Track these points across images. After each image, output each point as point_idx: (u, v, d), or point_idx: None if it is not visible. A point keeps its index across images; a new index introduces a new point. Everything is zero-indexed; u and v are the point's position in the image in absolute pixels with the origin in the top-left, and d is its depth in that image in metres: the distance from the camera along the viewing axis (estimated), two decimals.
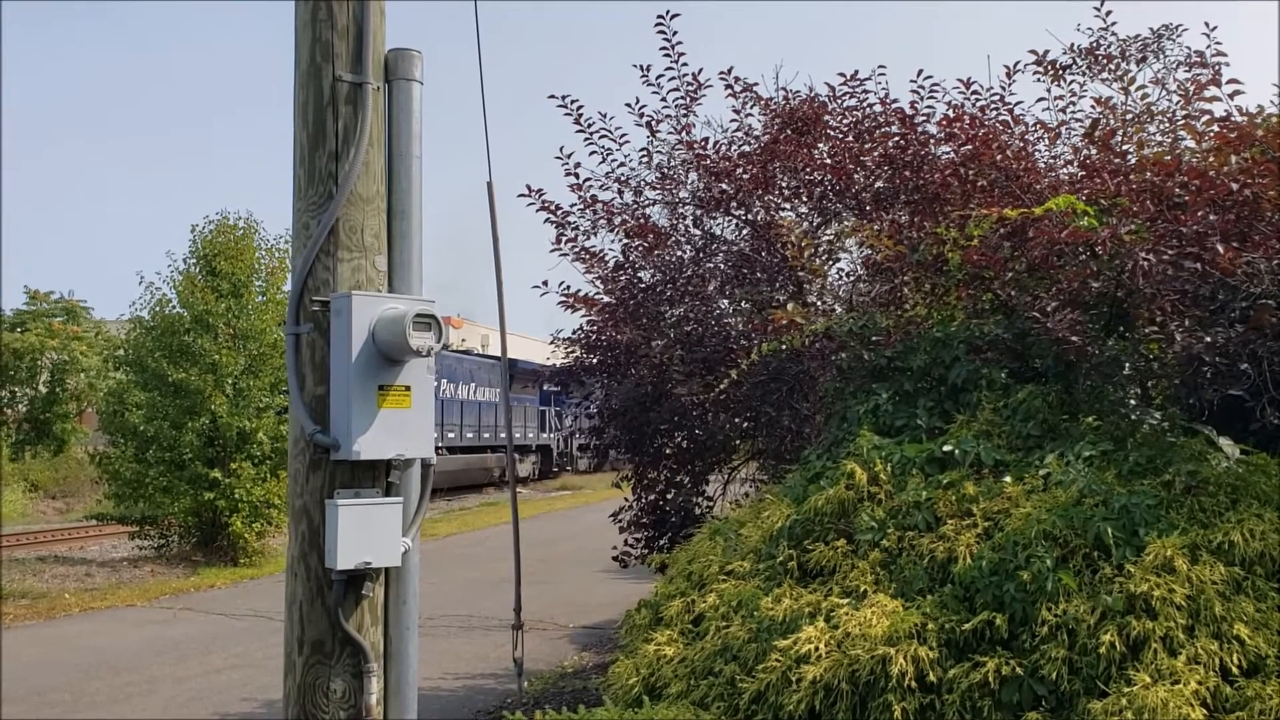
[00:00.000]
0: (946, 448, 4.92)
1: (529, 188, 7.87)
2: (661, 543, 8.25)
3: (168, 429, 16.92)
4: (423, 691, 3.56)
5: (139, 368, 17.34)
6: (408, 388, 3.34)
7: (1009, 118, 7.21)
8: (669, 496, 8.31)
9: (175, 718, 8.24)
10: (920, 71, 7.49)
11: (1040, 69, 7.05)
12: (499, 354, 31.80)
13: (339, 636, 3.26)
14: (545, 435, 37.35)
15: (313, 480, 3.29)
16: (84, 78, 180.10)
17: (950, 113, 6.89)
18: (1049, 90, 7.14)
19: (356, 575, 3.25)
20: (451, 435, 29.55)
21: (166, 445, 16.80)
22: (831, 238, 7.76)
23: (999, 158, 6.44)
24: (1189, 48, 6.81)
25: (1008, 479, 4.69)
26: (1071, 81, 7.13)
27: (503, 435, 33.22)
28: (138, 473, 16.73)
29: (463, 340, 40.98)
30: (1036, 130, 7.18)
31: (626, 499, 8.64)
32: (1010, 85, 7.42)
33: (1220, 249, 4.79)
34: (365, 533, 3.22)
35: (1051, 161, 7.13)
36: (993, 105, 7.29)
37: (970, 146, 6.56)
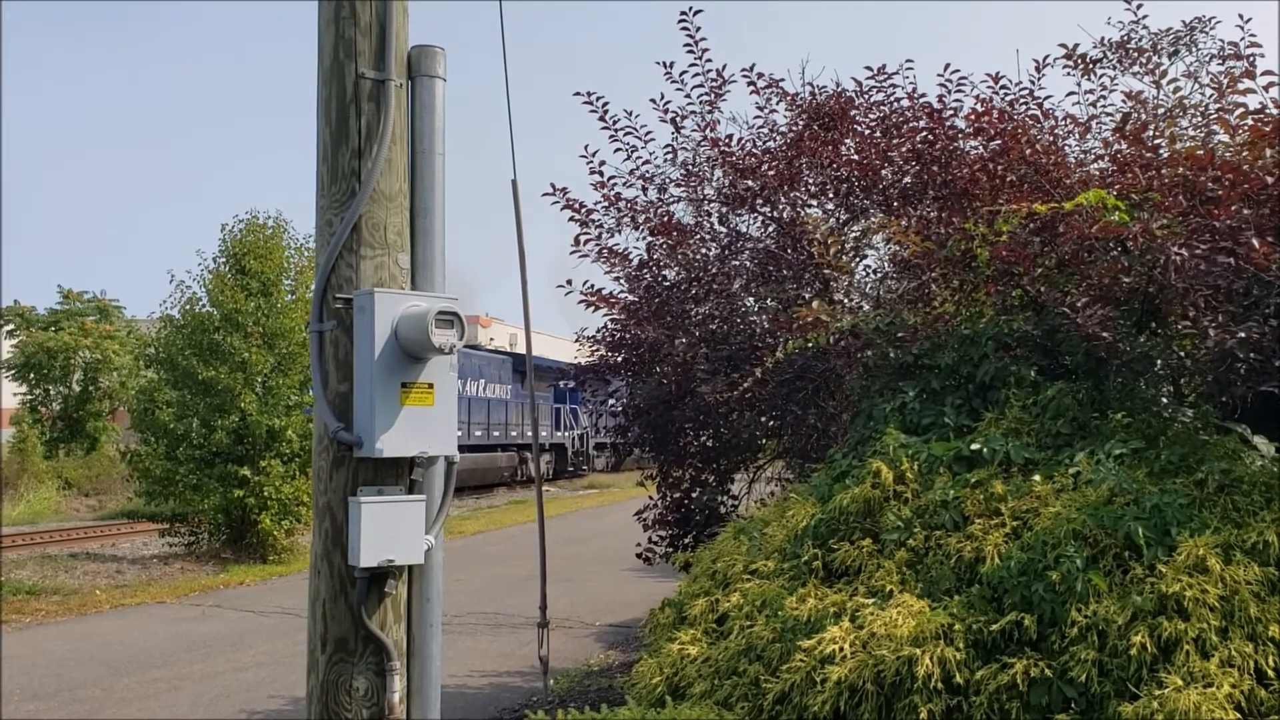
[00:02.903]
0: (974, 446, 4.86)
1: (553, 186, 7.87)
2: (686, 541, 8.22)
3: (198, 427, 17.08)
4: (448, 689, 3.56)
5: (170, 366, 17.49)
6: (430, 385, 3.32)
7: (1038, 112, 7.13)
8: (694, 495, 8.28)
9: (204, 716, 8.29)
10: (948, 66, 7.43)
11: (1070, 63, 6.96)
12: (507, 348, 31.78)
13: (362, 634, 3.25)
14: (560, 433, 36.14)
15: (336, 478, 3.29)
16: (116, 82, 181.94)
17: (979, 107, 6.82)
18: (1079, 84, 7.06)
19: (380, 573, 3.24)
20: (459, 434, 28.95)
21: (197, 443, 16.95)
22: (858, 234, 7.71)
23: (1028, 152, 6.37)
24: (1222, 40, 6.72)
25: (1037, 478, 4.63)
26: (1102, 75, 7.04)
27: (514, 434, 32.39)
28: (168, 470, 16.88)
29: (491, 339, 41.04)
30: (1066, 124, 7.10)
31: (651, 498, 8.62)
32: (1039, 79, 7.34)
33: (1255, 243, 4.71)
34: (388, 530, 3.21)
35: (1082, 156, 7.04)
36: (1022, 100, 7.21)
37: (999, 141, 6.49)
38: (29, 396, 35.05)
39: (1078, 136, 7.12)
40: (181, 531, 17.60)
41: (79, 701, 8.69)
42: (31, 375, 34.77)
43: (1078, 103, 7.13)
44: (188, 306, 17.57)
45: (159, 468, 17.03)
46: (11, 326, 36.39)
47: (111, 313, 37.46)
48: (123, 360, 34.41)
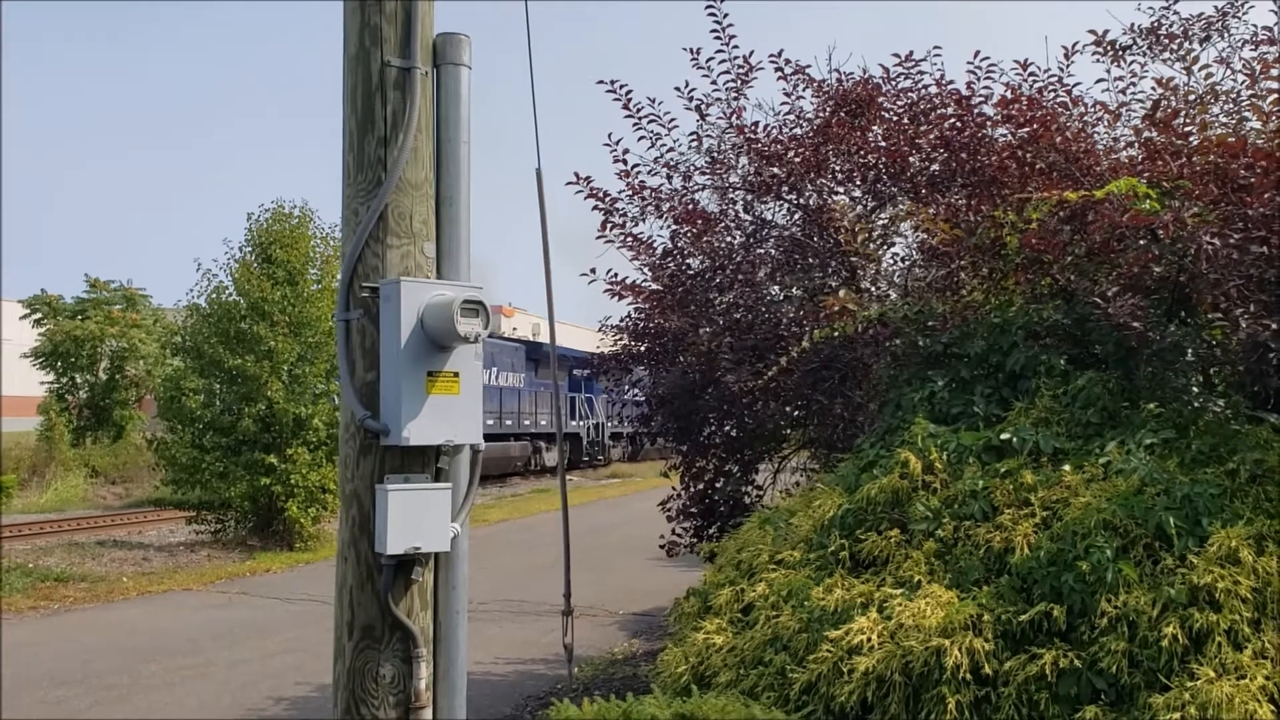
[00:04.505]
0: (1004, 436, 4.83)
1: (577, 175, 7.84)
2: (710, 531, 8.20)
3: (225, 415, 17.18)
4: (472, 676, 3.56)
5: (196, 354, 17.58)
6: (456, 374, 3.32)
7: (1067, 100, 7.06)
8: (718, 485, 8.26)
9: (231, 701, 8.34)
10: (977, 53, 7.36)
11: (1099, 49, 6.88)
12: (530, 338, 31.58)
13: (389, 621, 3.26)
14: (575, 423, 35.71)
15: (363, 465, 3.30)
16: (144, 79, 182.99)
17: (1008, 94, 6.75)
18: (1109, 71, 6.97)
19: (406, 560, 3.25)
20: None
21: (223, 431, 17.05)
22: (886, 222, 7.65)
23: (1058, 140, 6.30)
24: (1255, 25, 6.62)
25: (1067, 467, 4.59)
26: (1132, 62, 6.95)
27: (526, 423, 32.22)
28: (195, 458, 16.99)
29: (514, 329, 41.05)
30: (1096, 112, 7.02)
31: (675, 488, 8.60)
32: (1068, 66, 7.26)
33: None
34: (415, 518, 3.22)
35: (1111, 144, 6.96)
36: (1050, 87, 7.14)
37: (1028, 129, 6.42)
38: (56, 385, 35.36)
39: (1107, 124, 7.04)
40: (208, 519, 17.71)
41: (106, 688, 8.76)
42: (59, 363, 35.06)
43: (1107, 90, 7.05)
44: (214, 295, 17.65)
45: (186, 455, 17.14)
46: (39, 315, 36.72)
47: (138, 301, 37.70)
48: (149, 349, 34.63)
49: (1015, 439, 4.80)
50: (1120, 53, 6.90)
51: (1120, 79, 6.96)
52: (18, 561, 14.96)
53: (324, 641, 8.93)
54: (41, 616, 12.14)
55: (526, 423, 32.48)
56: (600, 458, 37.68)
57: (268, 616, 11.77)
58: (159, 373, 29.47)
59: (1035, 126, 6.39)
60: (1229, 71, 6.65)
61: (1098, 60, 6.95)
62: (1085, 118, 7.01)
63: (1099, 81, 7.07)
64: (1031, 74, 7.18)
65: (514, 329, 42.19)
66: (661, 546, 8.63)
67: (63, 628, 11.45)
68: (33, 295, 37.54)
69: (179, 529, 19.06)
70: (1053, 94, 7.08)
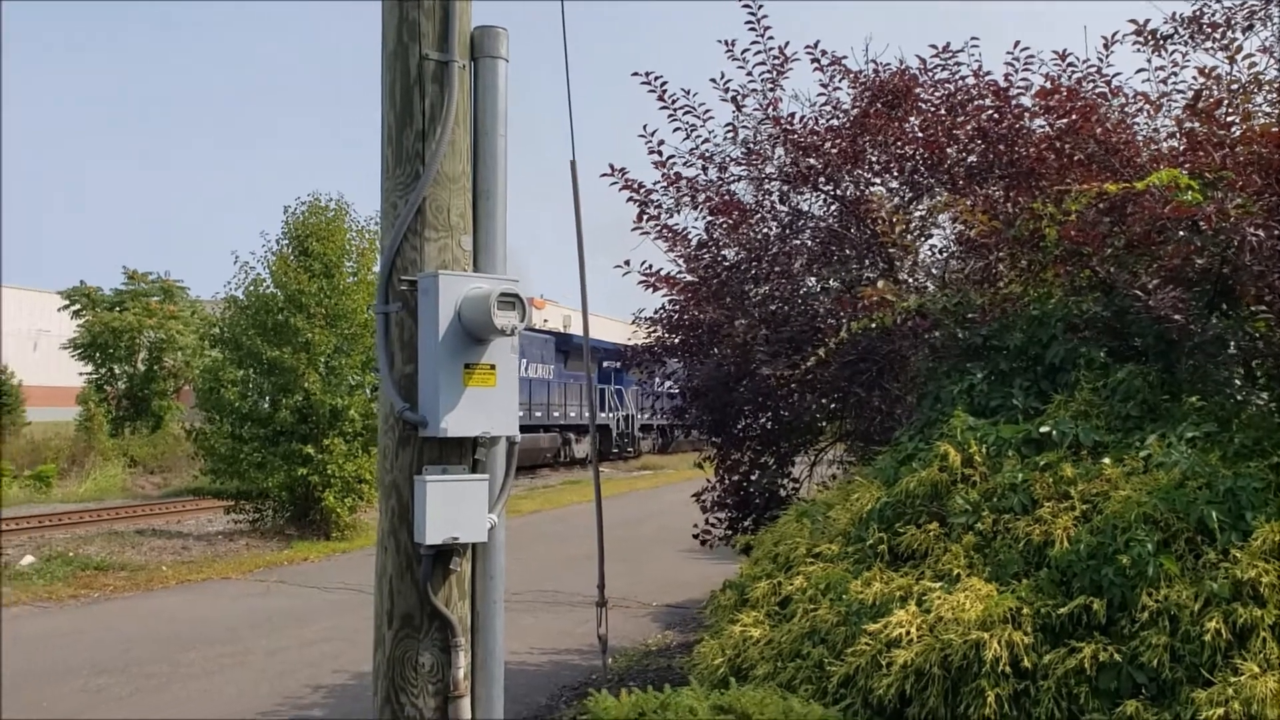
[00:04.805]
0: (1044, 429, 4.80)
1: (611, 167, 7.83)
2: (746, 524, 8.19)
3: (262, 406, 17.34)
4: (508, 666, 3.58)
5: (234, 346, 17.74)
6: (493, 366, 3.34)
7: (1107, 90, 6.98)
8: (753, 478, 8.24)
9: (269, 690, 8.43)
10: (1017, 43, 7.29)
11: (1140, 39, 6.80)
12: (561, 330, 31.54)
13: (428, 610, 3.28)
14: (604, 415, 35.66)
15: (402, 457, 3.32)
16: (187, 69, 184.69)
17: (1047, 85, 6.69)
18: (1149, 61, 6.89)
19: (444, 550, 3.27)
20: None
21: (261, 421, 17.21)
22: (923, 213, 7.60)
23: (1098, 131, 6.24)
24: None
25: (1107, 461, 4.55)
26: (1174, 51, 6.86)
27: (555, 414, 32.34)
28: (233, 448, 17.16)
29: (545, 321, 41.16)
30: (1136, 102, 6.94)
31: (709, 480, 8.60)
32: (1108, 57, 7.19)
33: None
34: (453, 508, 3.24)
35: (1152, 135, 6.89)
36: (1090, 78, 7.07)
37: (1067, 120, 6.36)
38: (95, 375, 35.83)
39: (1148, 114, 6.96)
40: (246, 508, 17.89)
41: (146, 676, 8.87)
42: (97, 354, 35.52)
43: (1148, 80, 6.97)
44: (252, 287, 17.80)
45: (224, 446, 17.31)
46: (78, 307, 37.21)
47: (175, 293, 38.12)
48: (187, 340, 35.01)
49: (1055, 432, 4.77)
50: (1161, 42, 6.82)
51: (1161, 69, 6.88)
52: (58, 550, 15.19)
53: (361, 630, 9.01)
54: (82, 605, 12.31)
55: (556, 414, 32.58)
56: (630, 449, 37.67)
57: (305, 605, 11.88)
58: (197, 364, 29.76)
59: (1074, 117, 6.33)
60: (1273, 60, 6.55)
61: (1138, 50, 6.87)
62: (1125, 108, 6.93)
63: (1139, 72, 6.99)
64: (1070, 65, 7.12)
65: (544, 321, 42.32)
66: (695, 537, 8.63)
67: (103, 616, 11.61)
68: (71, 287, 38.05)
69: (217, 518, 19.26)
70: (1092, 85, 7.02)
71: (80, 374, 36.66)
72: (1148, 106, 6.93)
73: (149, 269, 38.82)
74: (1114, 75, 7.12)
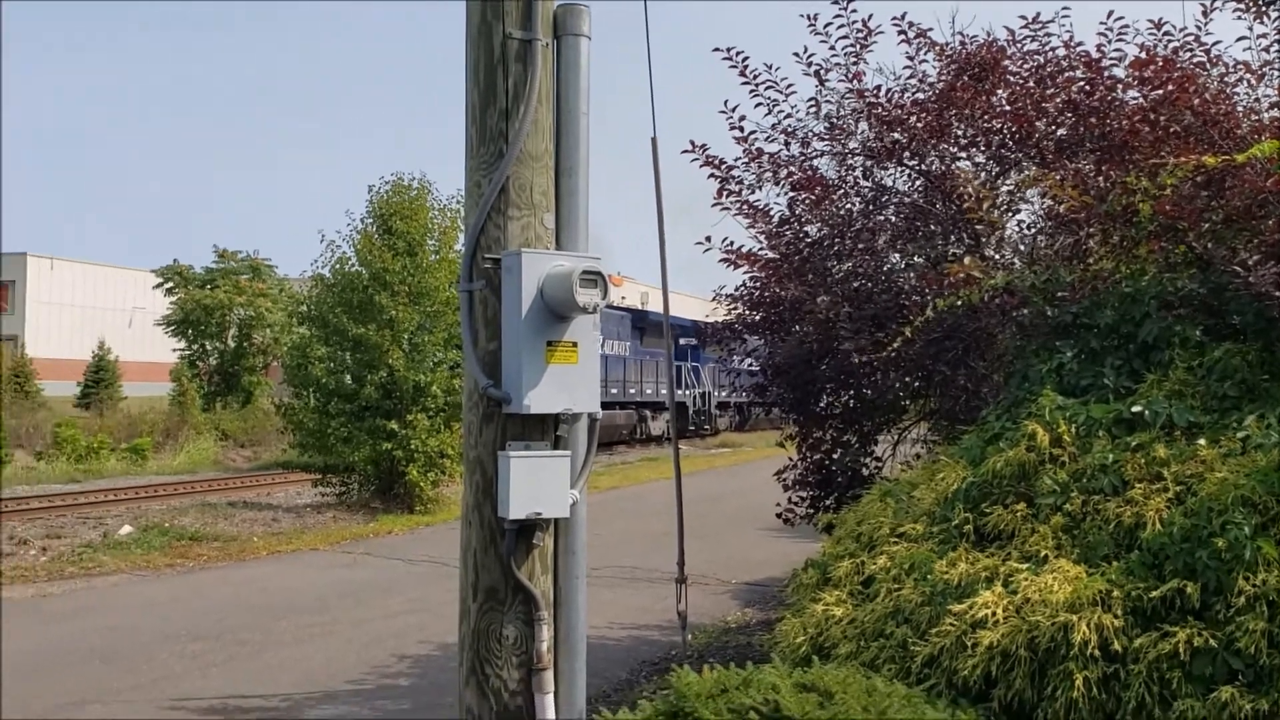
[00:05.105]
0: (1136, 408, 4.67)
1: (692, 143, 7.79)
2: (827, 503, 8.14)
3: (348, 382, 17.68)
4: (589, 640, 3.62)
5: (321, 323, 18.10)
6: (575, 344, 3.37)
7: (1205, 59, 6.75)
8: (835, 456, 8.17)
9: (357, 660, 8.61)
10: (1111, 13, 7.08)
11: (1242, 5, 6.56)
12: (639, 307, 31.45)
13: (511, 584, 3.32)
14: (681, 392, 35.49)
15: (486, 432, 3.36)
16: (270, 55, 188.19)
17: (1142, 55, 6.48)
18: (1250, 28, 6.64)
19: (527, 525, 3.31)
20: None
21: (347, 397, 17.55)
22: (1011, 188, 7.44)
23: (1195, 102, 6.04)
24: None
25: (1201, 441, 4.42)
26: (1278, 18, 6.62)
27: (631, 391, 32.40)
28: (320, 423, 17.54)
29: (623, 298, 41.20)
30: (1237, 71, 6.70)
31: (790, 458, 8.55)
32: (1207, 24, 6.95)
33: None
34: (535, 484, 3.28)
35: (1253, 105, 6.64)
36: (1187, 46, 6.83)
37: (1162, 91, 6.17)
38: (188, 351, 36.83)
39: (1249, 84, 6.72)
40: (333, 482, 18.29)
41: (239, 643, 9.13)
42: (189, 331, 36.50)
43: (1249, 48, 6.73)
44: (338, 266, 18.13)
45: (311, 421, 17.71)
46: (171, 285, 38.25)
47: (264, 271, 39.00)
48: (275, 317, 35.81)
49: (1147, 412, 4.64)
50: (1265, 8, 6.57)
51: (1264, 36, 6.63)
52: (155, 521, 15.70)
53: (445, 602, 9.13)
54: (178, 574, 12.72)
55: (632, 391, 32.62)
56: (707, 427, 37.58)
57: (390, 577, 12.12)
58: (285, 340, 30.44)
59: (1170, 88, 6.13)
60: None
61: (1239, 17, 6.63)
62: (1225, 78, 6.70)
63: (1240, 39, 6.74)
64: (1167, 34, 6.89)
65: (622, 298, 42.33)
66: (778, 515, 8.59)
67: (198, 585, 11.97)
68: (165, 265, 39.14)
69: (305, 491, 19.72)
70: (1189, 54, 6.79)
71: (174, 350, 37.75)
72: (1249, 76, 6.68)
73: (239, 248, 39.80)
74: (1213, 44, 6.88)
